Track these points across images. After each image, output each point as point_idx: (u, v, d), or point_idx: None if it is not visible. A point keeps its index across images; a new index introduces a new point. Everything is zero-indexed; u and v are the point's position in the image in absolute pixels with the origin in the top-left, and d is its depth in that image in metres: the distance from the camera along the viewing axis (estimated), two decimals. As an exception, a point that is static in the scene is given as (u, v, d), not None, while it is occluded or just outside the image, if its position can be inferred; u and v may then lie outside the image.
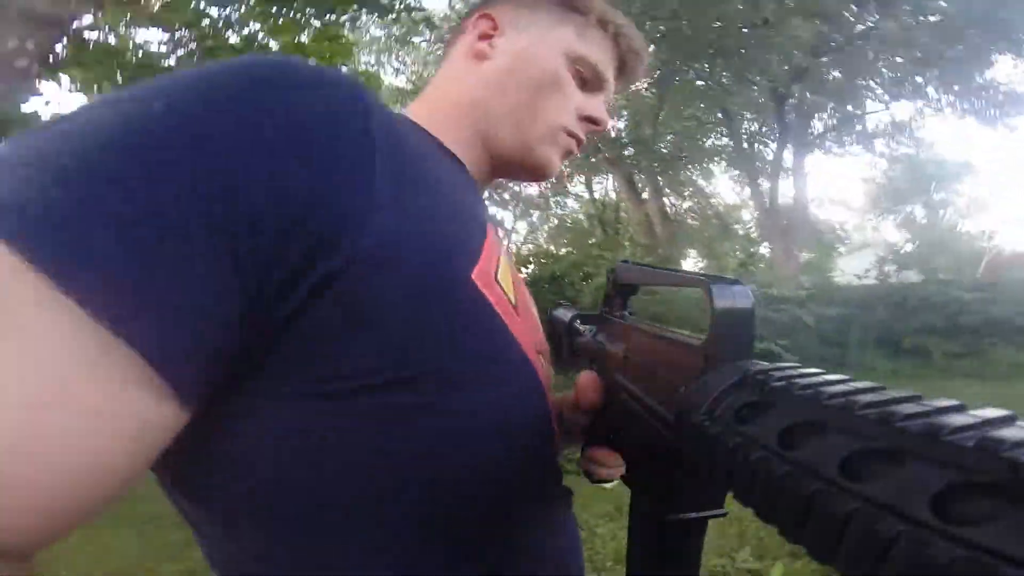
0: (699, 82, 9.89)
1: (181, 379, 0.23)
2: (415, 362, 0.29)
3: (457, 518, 0.32)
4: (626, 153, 10.37)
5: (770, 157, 10.86)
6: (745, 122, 11.01)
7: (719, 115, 10.73)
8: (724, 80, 9.63)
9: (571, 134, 0.51)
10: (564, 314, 0.64)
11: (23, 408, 0.20)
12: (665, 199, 11.79)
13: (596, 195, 12.98)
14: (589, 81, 0.51)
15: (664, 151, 11.24)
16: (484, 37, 0.50)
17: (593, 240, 10.23)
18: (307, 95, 0.26)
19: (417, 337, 0.29)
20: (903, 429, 0.17)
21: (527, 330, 0.39)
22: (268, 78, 0.26)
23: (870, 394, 0.19)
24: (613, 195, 12.31)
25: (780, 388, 0.23)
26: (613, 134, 9.86)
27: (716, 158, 11.93)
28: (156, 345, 0.22)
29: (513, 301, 0.37)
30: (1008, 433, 0.14)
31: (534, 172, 0.52)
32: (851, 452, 0.17)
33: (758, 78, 9.10)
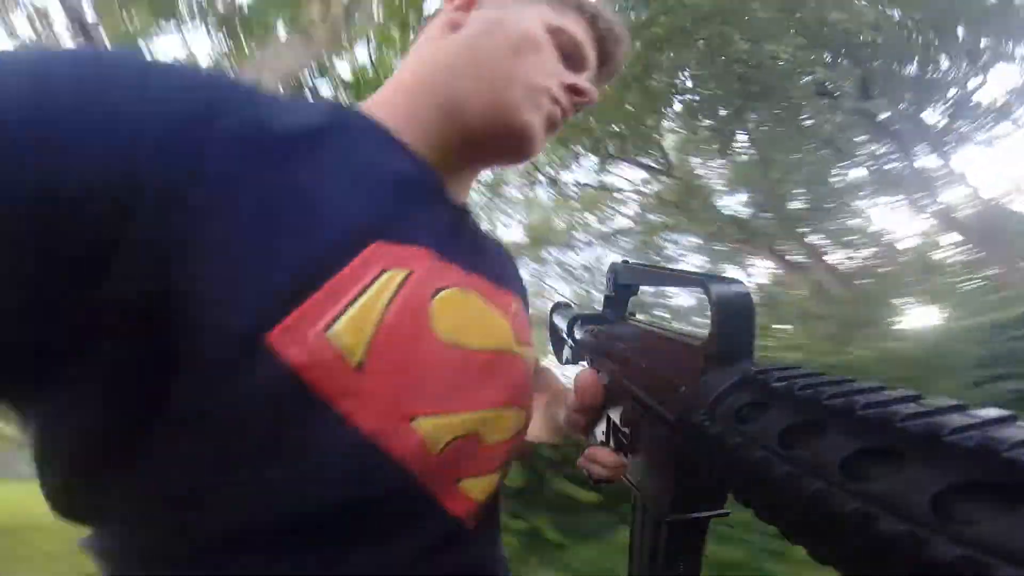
0: (807, 121, 7.69)
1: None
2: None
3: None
4: (760, 228, 8.70)
5: (930, 166, 8.14)
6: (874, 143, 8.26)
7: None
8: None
9: (554, 100, 0.45)
10: (564, 315, 0.63)
11: None
12: (830, 256, 9.25)
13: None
14: (570, 56, 0.46)
15: (799, 206, 9.04)
16: (460, 8, 0.46)
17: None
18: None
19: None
20: (903, 429, 0.17)
21: (388, 386, 0.31)
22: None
23: (870, 394, 0.19)
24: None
25: (780, 388, 0.23)
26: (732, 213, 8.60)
27: (859, 192, 9.08)
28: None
29: (358, 360, 0.29)
30: (1008, 434, 0.14)
31: (512, 140, 0.44)
32: (851, 452, 0.17)
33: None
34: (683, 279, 0.35)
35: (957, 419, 0.16)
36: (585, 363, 0.54)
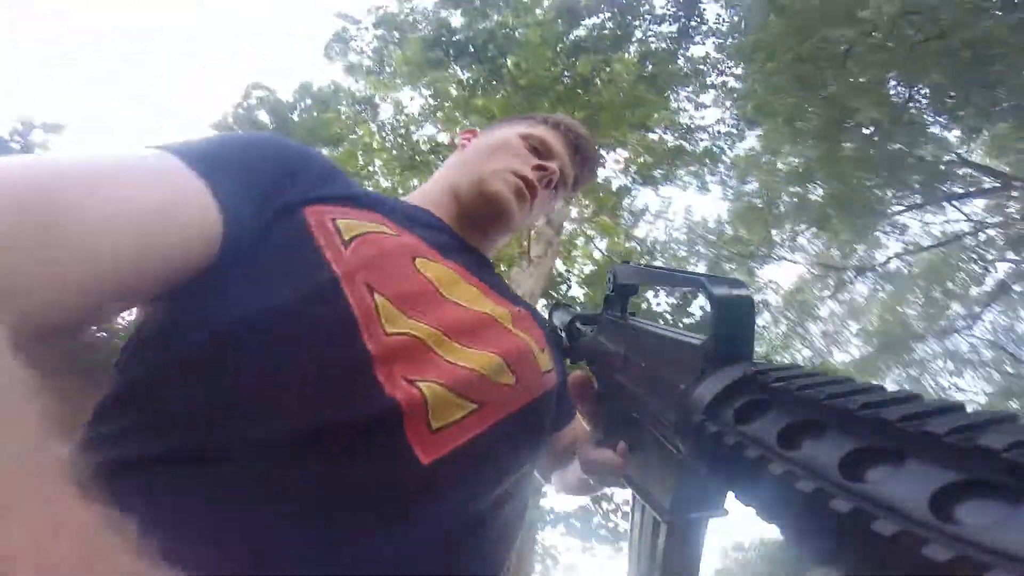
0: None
1: (222, 199, 0.38)
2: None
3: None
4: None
5: None
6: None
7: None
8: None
9: (520, 176, 0.61)
10: (564, 315, 0.64)
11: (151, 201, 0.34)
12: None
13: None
14: (538, 150, 0.65)
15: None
16: (465, 139, 0.70)
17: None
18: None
19: None
20: (902, 429, 0.17)
21: (353, 260, 0.42)
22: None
23: (869, 394, 0.19)
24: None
25: (780, 388, 0.23)
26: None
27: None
28: (221, 189, 0.38)
29: (345, 237, 0.43)
30: (1006, 434, 0.15)
31: (488, 206, 0.60)
32: (851, 452, 0.17)
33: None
34: (683, 279, 0.35)
35: (955, 419, 0.16)
36: (585, 363, 0.54)
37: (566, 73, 5.41)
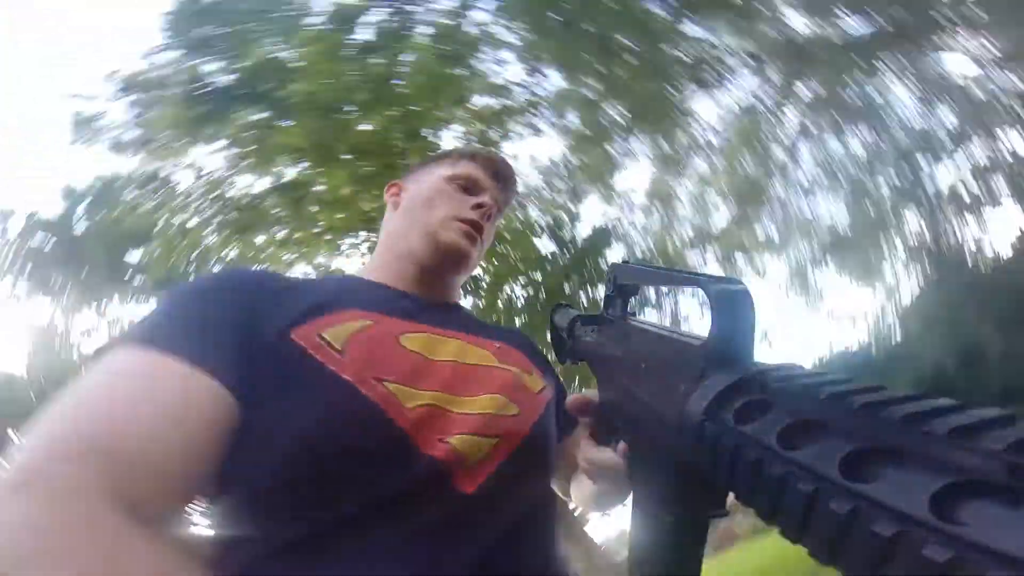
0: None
1: (214, 369, 0.42)
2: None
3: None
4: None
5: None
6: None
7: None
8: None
9: (465, 220, 0.66)
10: (565, 316, 0.64)
11: (145, 404, 0.39)
12: None
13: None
14: (468, 188, 0.69)
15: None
16: (394, 195, 0.73)
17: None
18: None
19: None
20: (903, 429, 0.17)
21: (355, 363, 0.48)
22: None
23: (869, 394, 0.19)
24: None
25: (780, 388, 0.23)
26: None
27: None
28: (203, 361, 0.42)
29: (339, 345, 0.48)
30: (1007, 434, 0.14)
31: (447, 254, 0.65)
32: (851, 452, 0.17)
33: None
34: (684, 279, 0.35)
35: (956, 419, 0.16)
36: (585, 363, 0.54)
37: (361, 78, 5.27)
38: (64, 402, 0.38)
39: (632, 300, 0.49)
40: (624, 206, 7.10)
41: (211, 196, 5.54)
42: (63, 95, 5.20)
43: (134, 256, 5.50)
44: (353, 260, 6.04)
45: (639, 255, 6.89)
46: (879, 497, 0.16)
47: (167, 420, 0.38)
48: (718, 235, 7.10)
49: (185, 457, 0.39)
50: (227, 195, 5.56)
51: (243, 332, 0.46)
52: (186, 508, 0.41)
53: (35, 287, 5.28)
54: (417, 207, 0.68)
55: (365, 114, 5.31)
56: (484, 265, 5.84)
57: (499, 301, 6.24)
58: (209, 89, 5.11)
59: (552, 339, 0.69)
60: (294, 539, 0.41)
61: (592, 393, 0.49)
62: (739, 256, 7.17)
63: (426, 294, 0.65)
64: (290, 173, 5.58)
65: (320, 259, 6.05)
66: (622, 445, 0.43)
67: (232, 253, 5.58)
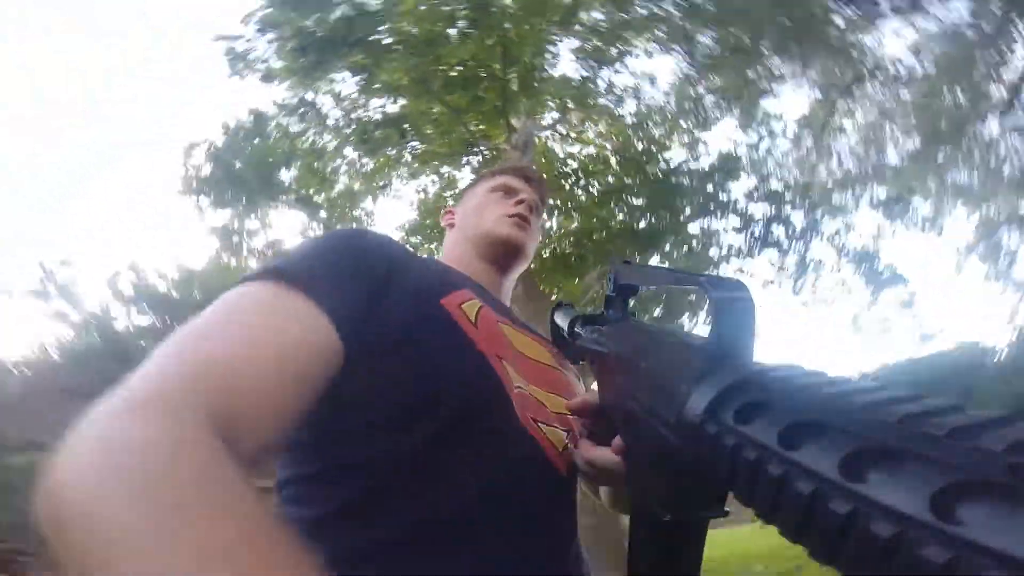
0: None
1: (333, 314, 0.44)
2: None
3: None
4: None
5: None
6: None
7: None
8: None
9: (512, 214, 0.76)
10: (565, 315, 0.64)
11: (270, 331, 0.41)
12: None
13: None
14: (506, 191, 0.80)
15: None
16: (448, 219, 0.86)
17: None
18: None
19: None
20: (902, 429, 0.17)
21: (489, 339, 0.56)
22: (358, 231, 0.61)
23: (869, 394, 0.19)
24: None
25: (780, 388, 0.23)
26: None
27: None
28: (328, 304, 0.44)
29: (473, 319, 0.55)
30: (1007, 434, 0.14)
31: (506, 246, 0.75)
32: (851, 452, 0.17)
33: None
34: (684, 279, 0.35)
35: (955, 419, 0.16)
36: (586, 363, 0.54)
37: (461, 8, 5.35)
38: (190, 325, 0.39)
39: (632, 300, 0.49)
40: (766, 133, 6.64)
41: (350, 120, 6.17)
42: (212, 36, 5.79)
43: (284, 175, 6.58)
44: (465, 172, 6.75)
45: (774, 187, 6.42)
46: (879, 497, 0.16)
47: (281, 354, 0.39)
48: (891, 173, 6.40)
49: (289, 395, 0.39)
50: (360, 117, 6.16)
51: (375, 288, 0.49)
52: (269, 454, 0.41)
53: (213, 202, 6.47)
54: (469, 218, 0.79)
55: (463, 42, 5.40)
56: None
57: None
58: (308, 44, 5.40)
59: (552, 338, 0.69)
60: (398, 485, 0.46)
61: (591, 394, 0.50)
62: (916, 202, 6.45)
63: (487, 279, 0.73)
64: (394, 107, 6.19)
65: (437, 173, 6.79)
66: (619, 442, 0.44)
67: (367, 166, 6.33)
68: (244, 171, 6.18)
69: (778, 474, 0.19)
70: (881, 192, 6.57)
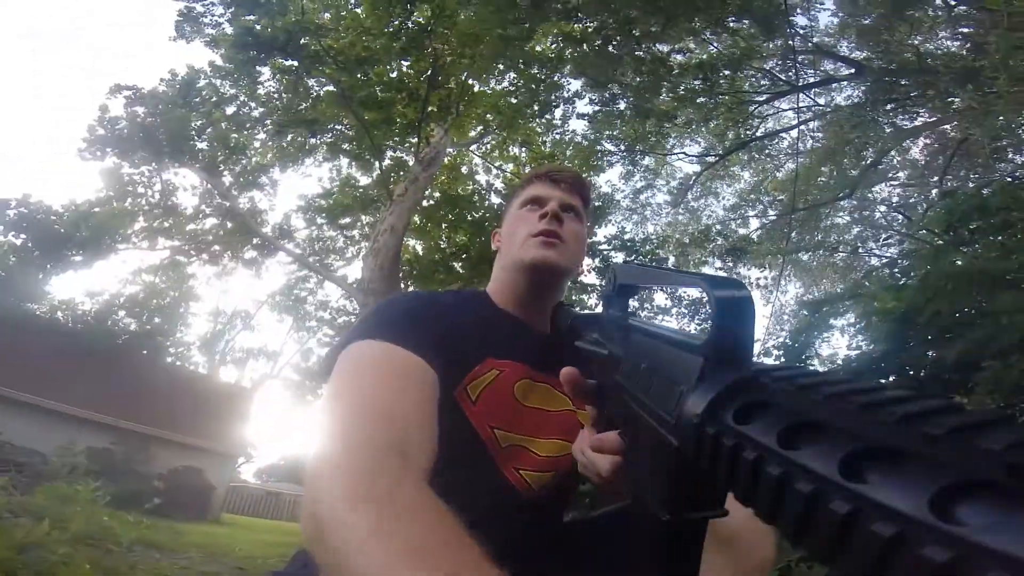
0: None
1: (419, 350, 0.59)
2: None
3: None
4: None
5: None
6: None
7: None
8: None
9: (536, 233, 0.77)
10: (565, 316, 0.64)
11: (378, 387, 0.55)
12: None
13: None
14: (534, 203, 0.82)
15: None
16: (497, 240, 0.89)
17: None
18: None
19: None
20: (902, 429, 0.17)
21: (486, 414, 0.70)
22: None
23: (869, 394, 0.19)
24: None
25: (780, 388, 0.23)
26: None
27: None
28: (405, 345, 0.59)
29: (475, 399, 0.69)
30: (1006, 434, 0.14)
31: (536, 270, 0.76)
32: (850, 452, 0.17)
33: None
34: (684, 280, 0.35)
35: (955, 419, 0.16)
36: (586, 365, 0.54)
37: (407, 25, 5.96)
38: (347, 400, 0.53)
39: (631, 300, 0.49)
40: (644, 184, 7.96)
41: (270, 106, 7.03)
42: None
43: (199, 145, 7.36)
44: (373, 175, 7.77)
45: (629, 236, 7.21)
46: (879, 497, 0.16)
47: (421, 404, 0.54)
48: (743, 242, 7.55)
49: (427, 419, 0.53)
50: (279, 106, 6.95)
51: (434, 338, 0.63)
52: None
53: (119, 154, 7.19)
54: (506, 241, 0.83)
55: (407, 51, 5.95)
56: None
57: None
58: (252, 41, 5.97)
59: (554, 339, 0.69)
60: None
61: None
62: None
63: (532, 317, 0.79)
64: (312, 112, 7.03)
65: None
66: (617, 439, 0.44)
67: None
68: (158, 131, 6.71)
69: (778, 474, 0.19)
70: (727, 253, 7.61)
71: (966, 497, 0.14)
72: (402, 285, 6.76)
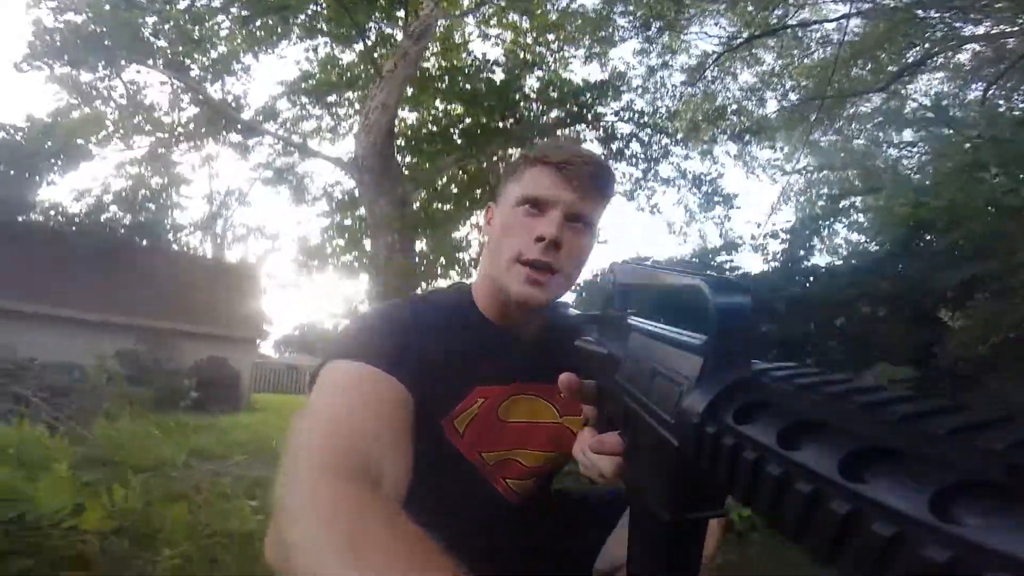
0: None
1: (398, 372, 0.57)
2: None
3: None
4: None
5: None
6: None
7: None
8: None
9: (527, 262, 0.64)
10: (561, 315, 0.63)
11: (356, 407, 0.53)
12: None
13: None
14: (535, 205, 0.65)
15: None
16: (488, 221, 0.75)
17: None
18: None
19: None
20: (902, 429, 0.17)
21: (472, 442, 0.70)
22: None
23: (869, 394, 0.19)
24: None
25: (778, 389, 0.23)
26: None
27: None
28: (383, 367, 0.57)
29: (462, 432, 0.68)
30: (1006, 434, 0.14)
31: (517, 306, 0.67)
32: (850, 452, 0.17)
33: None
34: (685, 279, 0.35)
35: (955, 419, 0.16)
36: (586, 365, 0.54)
37: None
38: (318, 422, 0.51)
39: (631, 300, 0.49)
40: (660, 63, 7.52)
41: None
42: None
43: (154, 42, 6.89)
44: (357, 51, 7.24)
45: (639, 107, 7.19)
46: (879, 497, 0.16)
47: (391, 426, 0.52)
48: (761, 120, 7.29)
49: (402, 442, 0.52)
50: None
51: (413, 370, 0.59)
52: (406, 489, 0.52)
53: (68, 63, 6.80)
54: (493, 242, 0.69)
55: None
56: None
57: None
58: None
59: (552, 342, 0.68)
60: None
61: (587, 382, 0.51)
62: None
63: (522, 324, 0.71)
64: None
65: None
66: (617, 439, 0.43)
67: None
68: (104, 38, 6.34)
69: (778, 474, 0.19)
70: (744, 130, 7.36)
71: (966, 497, 0.14)
72: (398, 158, 6.38)
